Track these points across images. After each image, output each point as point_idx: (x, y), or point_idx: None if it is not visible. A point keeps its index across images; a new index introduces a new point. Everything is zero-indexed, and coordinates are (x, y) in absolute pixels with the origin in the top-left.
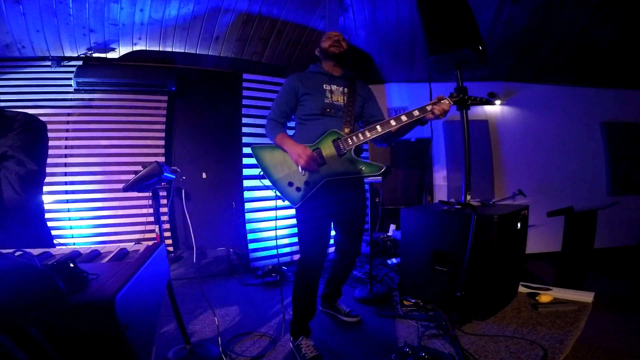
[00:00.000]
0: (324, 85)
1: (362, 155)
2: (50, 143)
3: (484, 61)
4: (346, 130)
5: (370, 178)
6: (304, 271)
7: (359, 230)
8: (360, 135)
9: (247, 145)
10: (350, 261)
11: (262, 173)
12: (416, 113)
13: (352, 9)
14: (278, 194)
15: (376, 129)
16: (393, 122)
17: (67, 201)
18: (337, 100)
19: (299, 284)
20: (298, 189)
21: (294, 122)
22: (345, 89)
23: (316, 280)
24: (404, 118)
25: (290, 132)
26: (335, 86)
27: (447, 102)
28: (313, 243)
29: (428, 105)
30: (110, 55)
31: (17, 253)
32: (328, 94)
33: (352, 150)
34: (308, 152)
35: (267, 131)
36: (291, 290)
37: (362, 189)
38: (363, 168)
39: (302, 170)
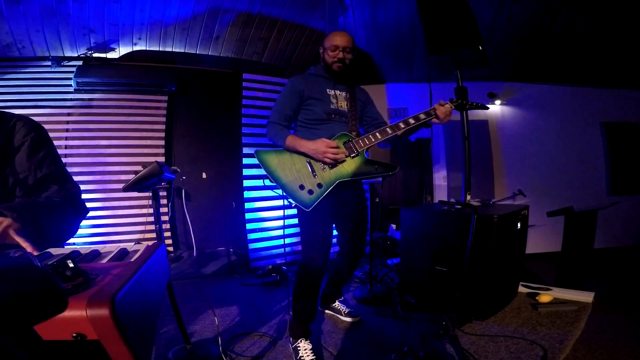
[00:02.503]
0: (328, 90)
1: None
2: None
3: (484, 61)
4: (353, 134)
5: (370, 178)
6: (307, 273)
7: (362, 230)
8: (371, 137)
9: (247, 145)
10: (353, 262)
11: (268, 178)
12: (422, 116)
13: (352, 9)
14: (290, 200)
15: (386, 131)
16: (402, 125)
17: None
18: (342, 106)
19: (301, 286)
20: (310, 191)
21: (294, 126)
22: (348, 94)
23: (319, 282)
24: (411, 121)
25: None
26: (338, 91)
27: (449, 105)
28: (317, 245)
29: (431, 109)
30: (110, 55)
31: (17, 253)
32: (333, 100)
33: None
34: (332, 143)
35: (270, 136)
36: (291, 291)
37: (362, 189)
38: (377, 168)
39: (324, 166)
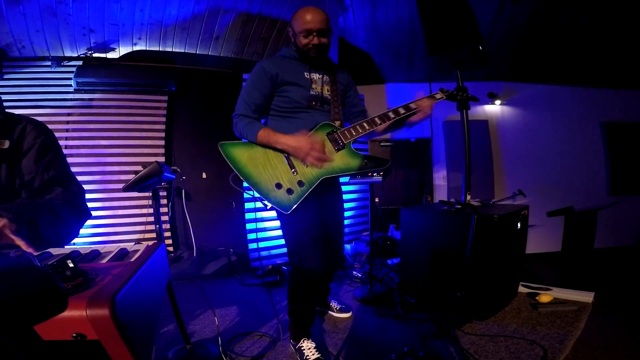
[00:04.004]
0: (305, 74)
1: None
2: None
3: (484, 61)
4: (337, 123)
5: (370, 178)
6: (302, 283)
7: (341, 231)
8: (358, 127)
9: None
10: (333, 262)
11: (237, 175)
12: (412, 106)
13: (352, 9)
14: (265, 202)
15: (375, 121)
16: (392, 115)
17: None
18: (322, 92)
19: (296, 291)
20: (289, 190)
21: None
22: (326, 77)
23: (316, 285)
24: (401, 110)
25: None
26: (317, 75)
27: (436, 97)
28: (309, 249)
29: (419, 100)
30: (110, 55)
31: (17, 253)
32: (313, 85)
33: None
34: (317, 139)
35: (239, 131)
36: (286, 295)
37: (340, 189)
38: (366, 162)
39: (305, 164)
